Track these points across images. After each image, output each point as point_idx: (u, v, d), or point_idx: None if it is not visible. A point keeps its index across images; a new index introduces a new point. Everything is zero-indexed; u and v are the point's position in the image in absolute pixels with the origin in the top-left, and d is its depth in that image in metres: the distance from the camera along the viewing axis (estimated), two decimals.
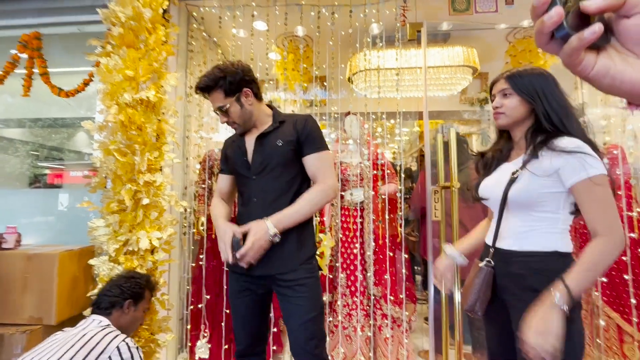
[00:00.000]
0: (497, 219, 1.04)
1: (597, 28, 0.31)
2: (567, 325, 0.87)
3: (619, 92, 0.34)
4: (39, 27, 2.22)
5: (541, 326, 0.83)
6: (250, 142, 1.30)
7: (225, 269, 1.33)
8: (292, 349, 1.25)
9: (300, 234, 1.24)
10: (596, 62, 0.34)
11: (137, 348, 1.19)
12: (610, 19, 0.34)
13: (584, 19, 0.33)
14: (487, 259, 1.05)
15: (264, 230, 1.14)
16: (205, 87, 1.23)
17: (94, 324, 1.24)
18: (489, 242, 1.08)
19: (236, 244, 1.16)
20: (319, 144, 1.25)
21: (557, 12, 0.32)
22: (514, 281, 1.00)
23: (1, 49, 2.44)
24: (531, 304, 0.93)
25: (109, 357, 1.11)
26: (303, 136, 1.24)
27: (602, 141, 2.12)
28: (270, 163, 1.24)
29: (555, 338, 0.82)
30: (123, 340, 1.16)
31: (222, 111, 1.24)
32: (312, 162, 1.24)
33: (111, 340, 1.15)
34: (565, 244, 0.97)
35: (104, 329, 1.21)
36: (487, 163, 1.14)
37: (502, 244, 1.04)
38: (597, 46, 0.34)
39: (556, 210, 0.96)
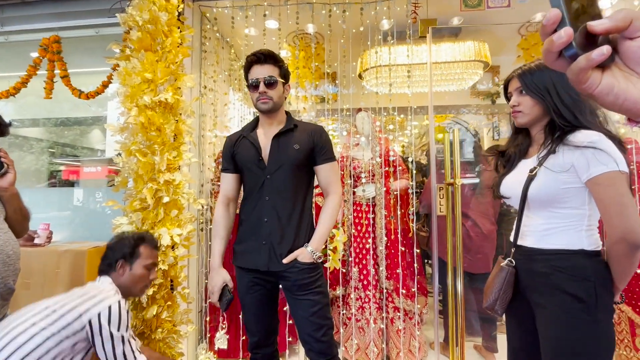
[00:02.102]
0: (518, 217, 1.02)
1: (605, 50, 0.32)
2: (593, 326, 0.87)
3: (620, 109, 0.36)
4: (57, 31, 2.29)
5: None
6: (264, 140, 1.34)
7: (237, 265, 1.37)
8: (301, 337, 1.32)
9: (307, 234, 1.33)
10: (601, 80, 0.35)
11: (128, 312, 1.21)
12: (614, 39, 0.35)
13: (590, 38, 0.34)
14: (509, 258, 1.03)
15: (309, 256, 1.28)
16: (269, 56, 1.30)
17: (97, 283, 1.30)
18: (512, 239, 1.06)
19: (225, 298, 1.33)
20: (331, 155, 1.37)
21: (566, 32, 0.33)
22: (538, 280, 0.97)
23: (21, 52, 2.52)
24: (556, 303, 0.92)
25: (99, 313, 1.13)
26: (319, 146, 1.33)
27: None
28: (285, 164, 1.29)
29: None
30: (117, 301, 1.18)
31: (269, 82, 1.29)
32: (325, 172, 1.35)
33: (105, 299, 1.18)
34: (591, 242, 0.93)
35: (106, 286, 1.26)
36: (508, 160, 1.11)
37: (524, 242, 1.02)
38: (602, 65, 0.35)
39: (581, 205, 0.93)
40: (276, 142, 1.32)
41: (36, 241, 1.56)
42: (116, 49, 1.73)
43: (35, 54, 2.28)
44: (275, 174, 1.29)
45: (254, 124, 1.42)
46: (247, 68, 1.34)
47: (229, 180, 1.42)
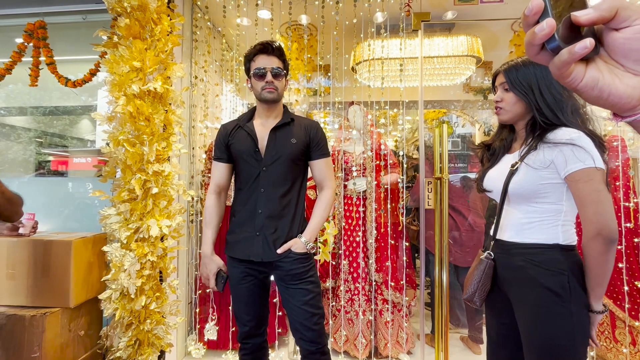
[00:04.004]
0: (498, 211, 1.05)
1: (588, 43, 0.31)
2: (568, 319, 0.89)
3: (605, 103, 0.34)
4: (43, 16, 2.22)
5: None
6: (262, 131, 1.35)
7: (229, 255, 1.38)
8: (292, 327, 1.33)
9: (300, 225, 1.35)
10: (585, 74, 0.33)
11: None
12: (599, 30, 0.34)
13: (574, 30, 0.33)
14: (488, 251, 1.06)
15: (303, 246, 1.31)
16: (278, 48, 1.32)
17: None
18: (491, 233, 1.09)
19: (221, 279, 1.36)
20: (326, 150, 1.41)
21: (548, 24, 0.32)
22: (514, 273, 1.00)
23: (5, 38, 2.45)
24: (531, 296, 0.95)
25: None
26: (315, 142, 1.36)
27: (603, 132, 2.14)
28: (282, 157, 1.31)
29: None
30: None
31: (276, 74, 1.31)
32: (320, 166, 1.38)
33: None
34: (567, 237, 0.96)
35: None
36: (492, 154, 1.13)
37: (503, 236, 1.05)
38: (586, 57, 0.33)
39: (558, 200, 0.95)
40: (273, 134, 1.33)
41: (21, 231, 1.53)
42: (104, 36, 1.69)
43: (19, 40, 2.22)
44: (272, 167, 1.31)
45: (250, 114, 1.42)
46: (252, 56, 1.34)
47: (221, 170, 1.42)
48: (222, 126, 1.45)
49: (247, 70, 1.37)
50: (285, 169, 1.32)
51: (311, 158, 1.38)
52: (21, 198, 1.34)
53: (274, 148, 1.32)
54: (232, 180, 1.46)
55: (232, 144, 1.37)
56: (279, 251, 1.28)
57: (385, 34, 2.09)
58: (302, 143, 1.35)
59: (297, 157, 1.34)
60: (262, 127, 1.35)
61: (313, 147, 1.37)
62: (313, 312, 1.30)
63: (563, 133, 0.91)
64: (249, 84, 1.38)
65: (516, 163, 1.00)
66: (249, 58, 1.34)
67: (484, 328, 2.32)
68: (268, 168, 1.31)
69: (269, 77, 1.30)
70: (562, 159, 0.90)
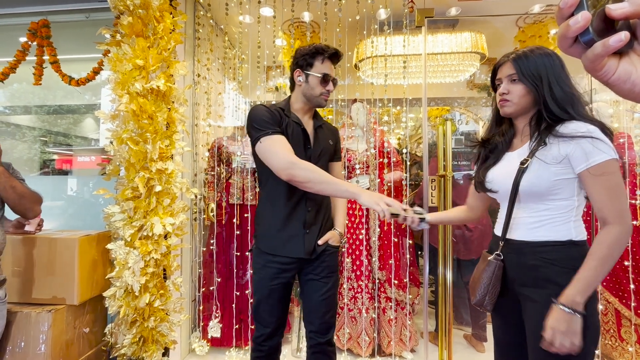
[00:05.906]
0: (507, 211, 0.99)
1: (623, 36, 0.31)
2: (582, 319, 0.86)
3: (637, 97, 0.34)
4: (46, 15, 2.23)
5: (561, 327, 0.84)
6: (309, 130, 1.36)
7: (267, 252, 1.38)
8: (307, 319, 1.35)
9: (331, 220, 1.43)
10: (618, 67, 0.33)
11: None
12: (634, 24, 0.33)
13: (608, 23, 0.32)
14: (497, 252, 1.01)
15: (339, 239, 1.38)
16: (341, 58, 1.35)
17: None
18: (498, 233, 1.04)
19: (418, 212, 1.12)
20: (341, 155, 1.52)
21: (583, 16, 0.32)
22: (527, 272, 0.96)
23: (9, 36, 2.46)
24: (544, 295, 0.91)
25: None
26: (338, 145, 1.47)
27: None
28: (325, 155, 1.38)
29: (574, 336, 0.84)
30: None
31: (335, 83, 1.34)
32: (338, 168, 1.50)
33: None
34: (579, 232, 0.93)
35: None
36: (492, 151, 1.07)
37: (513, 235, 1.00)
38: (619, 51, 0.33)
39: (571, 196, 0.92)
40: (316, 133, 1.37)
41: (27, 228, 1.55)
42: (107, 34, 1.69)
43: (23, 39, 2.23)
44: (318, 164, 1.26)
45: (287, 107, 1.34)
46: (321, 57, 1.28)
47: (288, 142, 1.22)
48: (263, 106, 1.28)
49: (305, 65, 1.28)
50: (324, 167, 1.36)
51: (333, 160, 1.45)
52: (37, 195, 1.36)
53: (319, 146, 1.36)
54: (255, 179, 1.47)
55: (283, 130, 1.26)
56: (319, 242, 1.32)
57: (388, 31, 2.08)
58: (334, 145, 1.44)
59: (331, 156, 1.43)
60: (306, 124, 1.36)
61: (337, 149, 1.46)
62: (332, 304, 1.35)
63: (578, 126, 0.87)
64: (301, 77, 1.30)
65: (526, 160, 0.94)
66: (315, 57, 1.28)
67: (488, 326, 2.31)
68: (315, 165, 1.26)
69: (331, 86, 1.31)
70: (581, 152, 0.86)
